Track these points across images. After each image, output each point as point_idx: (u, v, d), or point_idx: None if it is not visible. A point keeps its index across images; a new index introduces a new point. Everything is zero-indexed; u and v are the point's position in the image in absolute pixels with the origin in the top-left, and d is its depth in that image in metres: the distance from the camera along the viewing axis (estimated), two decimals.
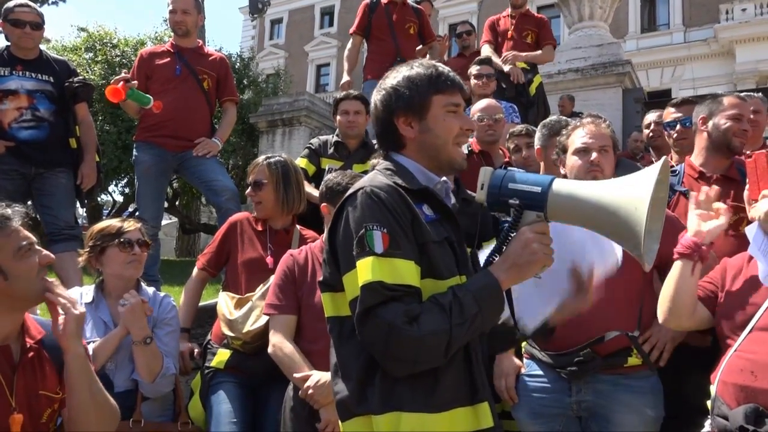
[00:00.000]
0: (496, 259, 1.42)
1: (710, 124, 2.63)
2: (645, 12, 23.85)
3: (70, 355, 1.71)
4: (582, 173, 2.27)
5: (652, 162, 4.34)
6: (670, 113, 3.27)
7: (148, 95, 3.87)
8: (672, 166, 2.91)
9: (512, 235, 1.41)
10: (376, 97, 1.55)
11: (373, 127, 1.59)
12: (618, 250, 1.86)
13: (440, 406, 1.35)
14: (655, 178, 1.32)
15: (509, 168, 1.50)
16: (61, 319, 1.70)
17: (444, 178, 1.55)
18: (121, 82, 3.70)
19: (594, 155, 2.27)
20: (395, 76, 1.53)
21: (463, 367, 1.41)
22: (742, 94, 2.97)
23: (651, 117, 4.30)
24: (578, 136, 2.33)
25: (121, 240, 2.42)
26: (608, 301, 2.05)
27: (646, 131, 4.35)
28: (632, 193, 1.33)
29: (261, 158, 2.94)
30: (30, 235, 1.69)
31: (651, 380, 2.14)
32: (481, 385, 1.43)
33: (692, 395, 2.21)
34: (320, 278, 1.53)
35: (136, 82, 3.86)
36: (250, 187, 2.85)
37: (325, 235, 1.52)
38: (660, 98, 13.91)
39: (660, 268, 2.24)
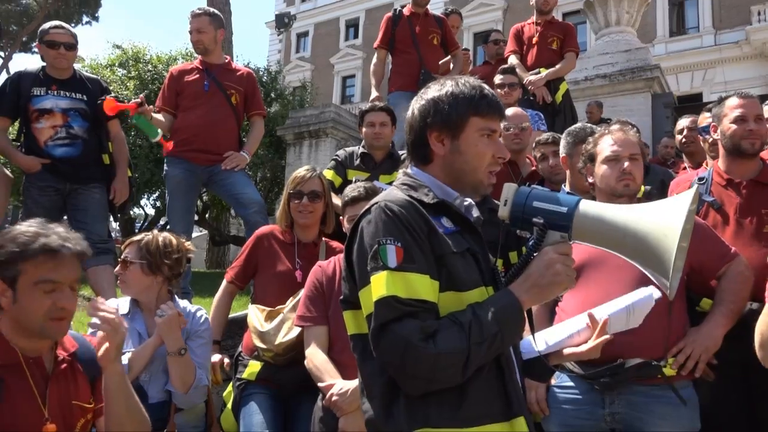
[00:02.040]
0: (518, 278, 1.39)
1: (719, 130, 2.57)
2: (673, 15, 23.45)
3: (109, 373, 1.76)
4: (613, 182, 2.24)
5: (685, 168, 4.26)
6: (705, 118, 3.21)
7: (157, 129, 3.89)
8: (704, 170, 2.85)
9: (535, 254, 1.38)
10: (415, 105, 1.53)
11: (406, 135, 1.56)
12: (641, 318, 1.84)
13: (469, 421, 1.31)
14: (688, 208, 1.29)
15: (534, 186, 1.47)
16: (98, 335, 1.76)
17: (467, 199, 1.52)
18: (132, 102, 3.77)
19: (626, 164, 2.24)
20: (439, 89, 1.49)
21: (494, 381, 1.37)
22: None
23: (684, 122, 4.23)
24: (607, 144, 2.30)
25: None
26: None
27: (678, 137, 4.27)
28: (663, 220, 1.30)
29: (306, 170, 2.91)
30: (66, 276, 1.69)
31: (686, 391, 2.09)
32: (516, 399, 1.39)
33: (730, 408, 2.16)
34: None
35: (151, 108, 3.89)
36: (305, 197, 2.80)
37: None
38: (691, 103, 13.66)
39: (691, 275, 2.20)
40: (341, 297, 1.51)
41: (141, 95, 3.91)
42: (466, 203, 1.52)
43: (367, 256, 1.35)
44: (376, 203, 1.40)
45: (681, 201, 1.32)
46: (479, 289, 1.40)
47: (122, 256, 2.47)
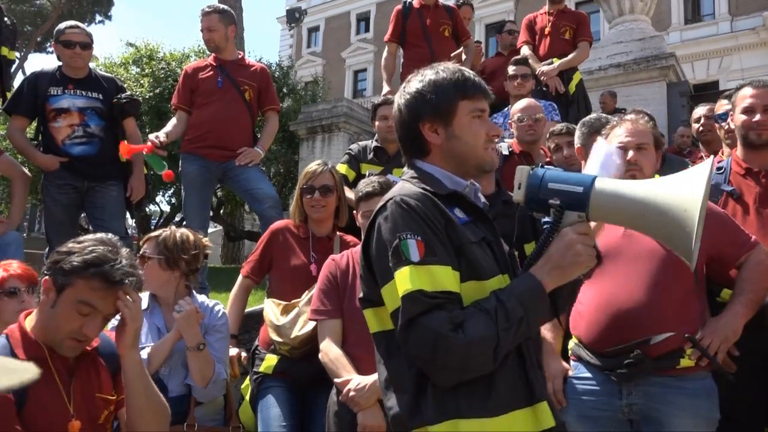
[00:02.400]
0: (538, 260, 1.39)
1: (733, 120, 2.56)
2: (688, 2, 23.11)
3: (127, 362, 1.79)
4: (620, 173, 2.23)
5: (701, 157, 4.22)
6: (722, 105, 3.18)
7: (164, 163, 3.97)
8: (720, 160, 2.83)
9: (553, 236, 1.38)
10: (399, 101, 1.52)
11: (396, 132, 1.56)
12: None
13: (497, 410, 1.31)
14: (707, 179, 1.28)
15: (547, 167, 1.46)
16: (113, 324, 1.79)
17: (471, 181, 1.53)
18: (149, 143, 3.86)
19: (630, 154, 2.22)
20: (420, 80, 1.49)
21: (517, 369, 1.37)
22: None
23: (700, 111, 4.18)
24: (616, 135, 2.29)
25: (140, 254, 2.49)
26: (660, 301, 2.01)
27: (695, 126, 4.23)
28: (683, 193, 1.29)
29: (318, 164, 2.92)
30: (107, 308, 1.73)
31: (705, 382, 2.08)
32: (538, 385, 1.40)
33: (750, 397, 2.14)
34: (360, 293, 1.50)
35: (164, 142, 3.95)
36: (317, 192, 2.82)
37: (359, 249, 1.50)
38: (706, 91, 13.47)
39: (710, 265, 2.18)
40: (360, 296, 1.49)
41: (163, 139, 3.94)
42: (474, 188, 1.53)
43: (387, 252, 1.34)
44: (391, 198, 1.39)
45: (699, 170, 1.31)
46: (497, 277, 1.40)
47: (140, 252, 2.49)
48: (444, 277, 1.31)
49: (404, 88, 1.53)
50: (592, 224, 1.43)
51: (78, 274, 1.66)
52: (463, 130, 1.46)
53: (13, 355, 1.66)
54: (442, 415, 1.30)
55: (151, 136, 3.91)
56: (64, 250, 1.71)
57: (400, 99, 1.52)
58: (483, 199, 1.56)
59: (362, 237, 1.50)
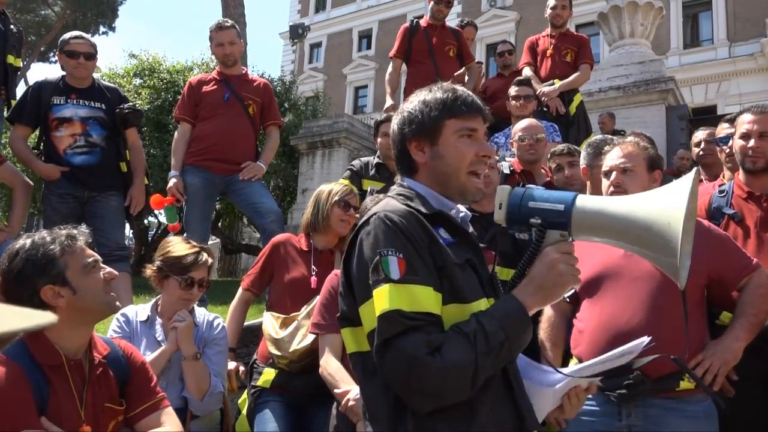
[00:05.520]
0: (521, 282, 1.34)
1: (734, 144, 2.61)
2: (687, 28, 23.37)
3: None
4: (607, 195, 2.26)
5: (701, 181, 4.24)
6: (723, 129, 3.21)
7: (177, 217, 4.23)
8: (722, 183, 2.85)
9: (536, 256, 1.34)
10: (394, 120, 1.53)
11: (392, 150, 1.56)
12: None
13: None
14: (689, 190, 1.26)
15: (528, 186, 1.44)
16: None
17: (463, 209, 1.49)
18: (170, 197, 4.06)
19: (612, 176, 2.26)
20: (412, 100, 1.49)
21: (504, 395, 1.32)
22: None
23: (701, 135, 4.21)
24: (606, 158, 2.35)
25: (185, 278, 2.44)
26: (660, 323, 2.01)
27: (695, 149, 4.25)
28: (665, 205, 1.27)
29: (347, 185, 2.98)
30: (94, 253, 1.83)
31: (705, 404, 2.07)
32: (527, 413, 1.35)
33: (749, 420, 2.14)
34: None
35: (180, 204, 4.16)
36: (352, 209, 2.82)
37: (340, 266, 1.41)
38: (705, 115, 13.58)
39: (711, 287, 2.18)
40: (338, 314, 1.42)
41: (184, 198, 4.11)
42: (461, 214, 1.49)
43: (367, 269, 1.28)
44: (375, 214, 1.34)
45: (682, 185, 1.29)
46: (482, 300, 1.35)
47: (199, 279, 2.48)
48: (424, 298, 1.25)
49: (401, 107, 1.54)
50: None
51: (65, 254, 1.75)
52: (448, 150, 1.42)
53: (32, 360, 1.68)
54: None
55: (175, 191, 4.06)
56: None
57: (395, 117, 1.53)
58: (471, 229, 1.51)
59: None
